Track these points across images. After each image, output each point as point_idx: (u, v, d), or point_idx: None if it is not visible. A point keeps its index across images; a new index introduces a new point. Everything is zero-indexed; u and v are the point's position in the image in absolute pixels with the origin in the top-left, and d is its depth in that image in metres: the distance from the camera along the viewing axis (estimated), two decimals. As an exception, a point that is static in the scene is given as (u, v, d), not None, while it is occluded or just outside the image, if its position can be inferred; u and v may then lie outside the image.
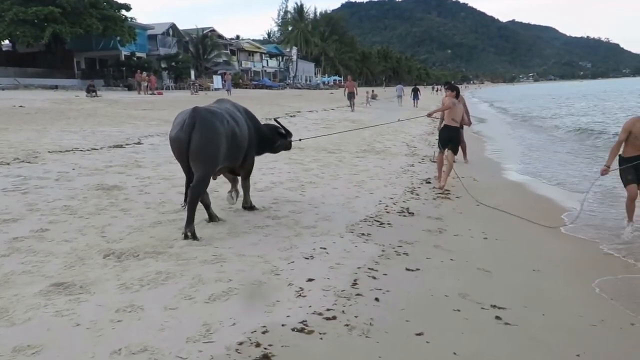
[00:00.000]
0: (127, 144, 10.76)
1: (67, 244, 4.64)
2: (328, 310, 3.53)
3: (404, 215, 6.57)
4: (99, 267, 4.08)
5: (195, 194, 5.20)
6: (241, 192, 6.35)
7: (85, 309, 3.32)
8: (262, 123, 6.62)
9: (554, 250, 5.71)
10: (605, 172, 6.31)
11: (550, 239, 6.12)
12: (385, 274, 4.34)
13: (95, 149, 9.88)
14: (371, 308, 3.64)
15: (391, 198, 7.46)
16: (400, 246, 5.19)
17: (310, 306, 3.56)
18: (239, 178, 6.34)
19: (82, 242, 4.68)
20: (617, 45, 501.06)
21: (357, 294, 3.85)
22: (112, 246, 4.60)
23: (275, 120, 7.17)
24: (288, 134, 6.73)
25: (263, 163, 9.62)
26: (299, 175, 8.68)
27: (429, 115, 9.68)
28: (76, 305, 3.37)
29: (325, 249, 4.90)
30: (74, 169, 7.89)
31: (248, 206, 6.36)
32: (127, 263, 4.21)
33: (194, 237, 4.98)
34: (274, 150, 6.76)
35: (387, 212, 6.65)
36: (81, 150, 9.61)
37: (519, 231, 6.36)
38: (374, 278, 4.23)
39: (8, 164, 7.95)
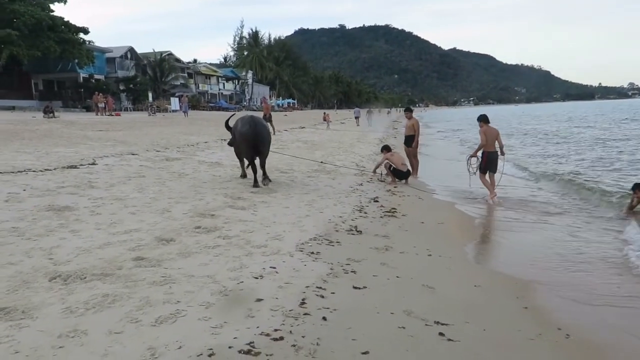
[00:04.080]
0: (81, 165, 10.52)
1: (12, 267, 4.52)
2: (276, 330, 3.56)
3: (352, 234, 6.70)
4: (44, 291, 4.00)
5: (264, 163, 9.69)
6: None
7: (26, 335, 3.25)
8: None
9: (494, 266, 5.95)
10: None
11: (490, 255, 6.39)
12: (333, 293, 4.41)
13: (48, 170, 9.60)
14: (318, 327, 3.70)
15: (340, 217, 7.59)
16: (348, 264, 5.29)
17: (258, 327, 3.59)
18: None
19: (28, 265, 4.58)
20: (548, 73, 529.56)
21: (305, 314, 3.90)
22: (58, 268, 4.52)
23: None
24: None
25: (217, 183, 9.68)
26: (252, 195, 8.71)
27: (374, 171, 12.72)
28: (17, 331, 3.30)
29: (274, 268, 4.94)
30: (24, 190, 7.66)
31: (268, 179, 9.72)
32: (73, 286, 4.14)
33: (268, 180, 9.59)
34: None
35: (336, 230, 6.77)
36: (34, 171, 9.31)
37: (461, 248, 6.60)
38: (322, 297, 4.30)
39: (-45, 185, 7.68)
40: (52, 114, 29.29)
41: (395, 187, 11.15)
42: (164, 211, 7.06)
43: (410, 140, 13.58)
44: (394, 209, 8.59)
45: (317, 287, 4.50)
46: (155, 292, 4.11)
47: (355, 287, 4.62)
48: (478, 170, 10.36)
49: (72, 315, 3.60)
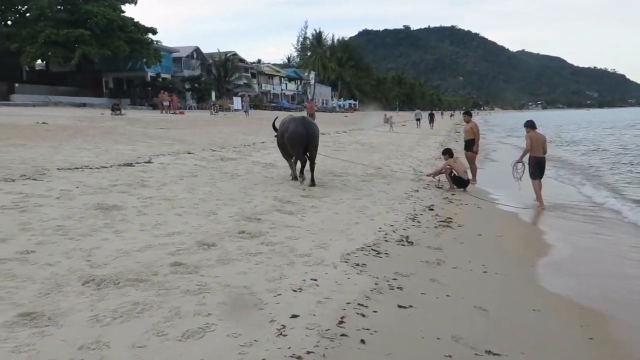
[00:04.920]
0: (137, 163, 10.62)
1: (49, 268, 4.46)
2: (308, 353, 3.27)
3: (403, 245, 6.32)
4: (75, 296, 3.89)
5: (313, 165, 9.90)
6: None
7: (47, 345, 3.11)
8: None
9: (556, 287, 5.42)
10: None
11: (553, 274, 5.85)
12: (376, 311, 4.08)
13: (104, 167, 9.73)
14: (355, 352, 3.39)
15: (392, 225, 7.23)
16: (395, 279, 4.94)
17: (289, 348, 3.32)
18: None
19: (65, 267, 4.50)
20: (623, 76, 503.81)
21: (342, 334, 3.60)
22: (94, 272, 4.42)
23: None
24: None
25: (268, 185, 9.52)
26: (302, 199, 8.49)
27: (432, 175, 12.13)
28: (39, 339, 3.17)
29: (315, 280, 4.67)
30: (77, 187, 7.74)
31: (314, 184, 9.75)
32: (105, 292, 4.01)
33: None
34: None
35: (386, 240, 6.41)
36: (90, 168, 9.47)
37: (521, 265, 6.09)
38: (363, 316, 3.98)
39: (13, 180, 7.82)
40: (119, 112, 30.24)
41: (453, 194, 10.66)
42: (210, 213, 6.94)
43: (471, 145, 13.06)
44: (449, 218, 8.13)
45: (359, 304, 4.18)
46: (188, 302, 3.92)
47: (400, 306, 4.27)
48: (530, 176, 10.41)
49: (97, 324, 3.45)
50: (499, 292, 5.03)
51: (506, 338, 3.92)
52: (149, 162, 10.98)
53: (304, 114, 24.24)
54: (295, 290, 4.37)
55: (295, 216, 7.27)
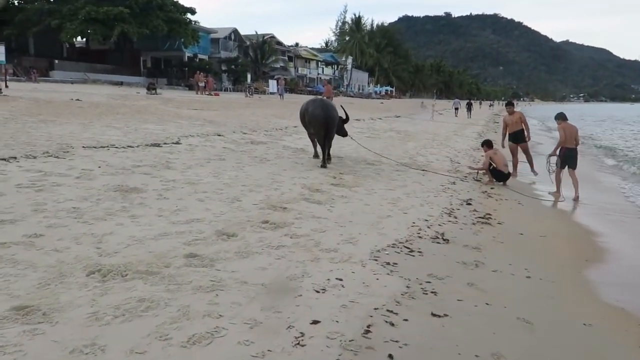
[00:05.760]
0: (164, 143, 10.39)
1: (55, 254, 4.17)
2: (327, 368, 2.89)
3: (438, 242, 5.82)
4: (77, 288, 3.57)
5: (330, 144, 10.30)
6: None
7: (36, 346, 2.78)
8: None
9: (609, 297, 4.86)
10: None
11: (605, 282, 5.28)
12: (406, 320, 3.65)
13: (131, 147, 9.51)
14: (381, 368, 2.98)
15: (426, 220, 6.74)
16: (429, 282, 4.48)
17: (306, 361, 2.94)
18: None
19: (72, 254, 4.20)
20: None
21: (368, 347, 3.18)
22: (102, 261, 4.10)
23: (341, 106, 11.15)
24: (347, 118, 10.91)
25: (297, 172, 9.13)
26: (331, 188, 8.06)
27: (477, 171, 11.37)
28: (28, 339, 2.84)
29: (341, 280, 4.25)
30: (99, 167, 7.53)
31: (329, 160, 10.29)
32: (110, 284, 3.68)
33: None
34: (340, 131, 10.72)
35: (420, 236, 5.93)
36: (116, 147, 9.26)
37: (567, 271, 5.53)
38: (392, 325, 3.55)
39: (35, 157, 7.66)
40: (154, 91, 30.31)
41: (492, 188, 10.06)
42: (234, 200, 6.59)
43: (522, 136, 12.34)
44: (488, 214, 7.57)
45: (388, 311, 3.75)
46: (198, 300, 3.56)
47: (434, 315, 3.81)
48: (556, 167, 10.38)
49: (96, 323, 3.11)
50: (544, 302, 4.50)
51: (554, 358, 3.43)
52: (177, 142, 10.73)
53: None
54: (317, 291, 3.97)
55: (324, 206, 6.85)
